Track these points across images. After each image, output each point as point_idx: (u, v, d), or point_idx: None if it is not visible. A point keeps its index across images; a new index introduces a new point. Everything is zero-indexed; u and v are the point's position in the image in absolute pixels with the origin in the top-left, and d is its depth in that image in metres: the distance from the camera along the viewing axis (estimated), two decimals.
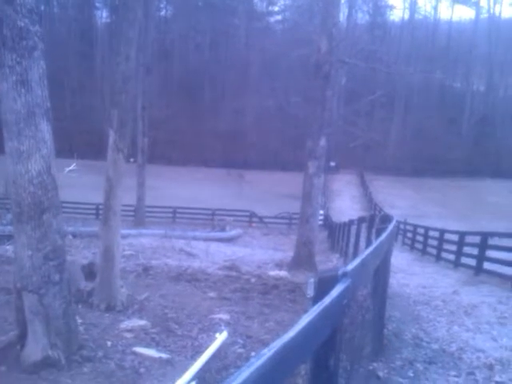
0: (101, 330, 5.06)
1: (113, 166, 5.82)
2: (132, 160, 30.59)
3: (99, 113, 54.34)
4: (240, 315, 6.29)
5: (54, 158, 4.01)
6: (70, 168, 46.98)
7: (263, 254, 15.37)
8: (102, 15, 69.39)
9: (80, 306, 5.61)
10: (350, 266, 2.28)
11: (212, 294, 7.01)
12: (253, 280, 8.21)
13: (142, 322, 5.24)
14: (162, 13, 66.96)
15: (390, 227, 4.60)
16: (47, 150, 3.83)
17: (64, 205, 28.85)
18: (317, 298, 2.02)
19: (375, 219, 8.30)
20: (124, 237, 15.85)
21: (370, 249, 3.00)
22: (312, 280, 2.20)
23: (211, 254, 12.99)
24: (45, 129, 3.82)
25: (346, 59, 12.41)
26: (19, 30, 3.59)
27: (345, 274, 2.14)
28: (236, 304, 6.81)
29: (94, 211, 29.28)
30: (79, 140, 53.37)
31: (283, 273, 9.20)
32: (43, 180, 3.80)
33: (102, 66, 57.51)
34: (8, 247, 10.39)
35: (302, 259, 11.15)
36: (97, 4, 69.00)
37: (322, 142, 11.22)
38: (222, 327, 5.63)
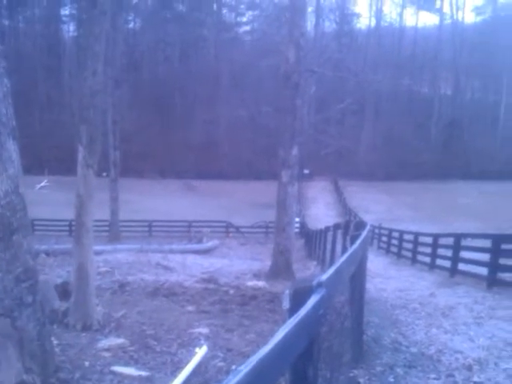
0: (78, 350, 4.94)
1: (83, 182, 5.72)
2: (104, 174, 30.25)
3: (69, 128, 53.45)
4: (219, 328, 6.24)
5: (23, 176, 3.92)
6: (42, 184, 46.11)
7: (241, 264, 15.31)
8: (69, 29, 68.78)
9: (55, 327, 5.47)
10: (325, 276, 2.28)
11: (190, 308, 6.94)
12: (231, 291, 8.17)
13: (120, 341, 5.14)
14: (131, 25, 66.63)
15: (364, 234, 4.65)
16: (14, 170, 3.75)
17: (36, 222, 28.37)
18: (292, 310, 2.02)
19: (350, 226, 8.38)
20: (99, 253, 15.61)
21: (344, 257, 3.01)
22: (287, 292, 2.20)
23: (188, 266, 12.89)
24: (11, 148, 3.73)
25: (314, 68, 12.55)
26: None
27: (319, 285, 2.14)
28: (215, 317, 6.75)
29: (67, 228, 28.72)
30: (49, 156, 52.50)
31: (261, 283, 9.17)
32: (11, 200, 3.70)
33: (70, 81, 56.74)
34: None
35: (280, 268, 11.14)
36: (63, 18, 68.29)
37: (294, 150, 11.28)
38: (202, 341, 5.58)
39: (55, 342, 4.78)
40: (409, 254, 16.95)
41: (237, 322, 6.49)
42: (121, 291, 8.05)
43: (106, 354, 4.85)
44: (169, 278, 9.82)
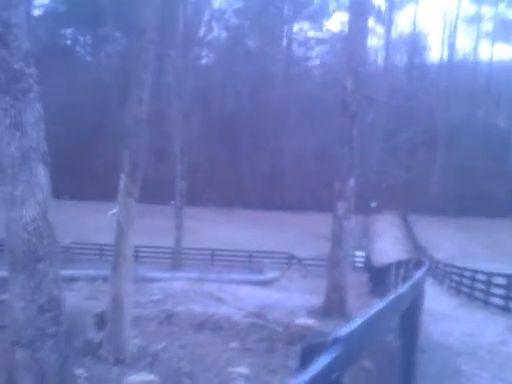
0: None
1: (124, 209, 5.66)
2: (172, 202, 30.99)
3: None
4: (262, 369, 5.86)
5: (52, 202, 3.86)
6: (114, 211, 47.83)
7: (298, 298, 14.79)
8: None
9: (88, 359, 5.34)
10: (344, 330, 1.89)
11: (234, 345, 6.62)
12: (279, 329, 7.76)
13: (151, 377, 4.91)
14: (204, 61, 69.35)
15: (417, 275, 4.16)
16: (43, 195, 3.69)
17: (104, 247, 29.37)
18: (300, 372, 1.68)
19: (407, 264, 7.78)
20: (156, 280, 15.73)
21: (380, 305, 2.58)
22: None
23: (242, 298, 12.56)
24: (41, 173, 3.69)
25: (374, 96, 12.17)
26: (14, 72, 3.53)
27: (336, 341, 1.77)
28: (259, 355, 6.38)
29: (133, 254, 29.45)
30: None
31: (312, 321, 8.66)
32: (38, 227, 3.64)
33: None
34: None
35: (333, 306, 10.60)
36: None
37: (351, 182, 10.85)
38: (240, 382, 5.23)
39: (84, 374, 4.63)
40: (481, 296, 15.80)
41: (281, 362, 6.08)
42: (167, 322, 7.88)
43: None
44: (218, 310, 9.54)
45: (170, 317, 8.22)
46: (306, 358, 1.72)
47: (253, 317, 8.76)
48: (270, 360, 6.14)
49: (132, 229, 5.78)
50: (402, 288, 3.25)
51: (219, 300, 11.56)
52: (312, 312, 10.62)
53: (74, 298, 9.20)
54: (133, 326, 6.60)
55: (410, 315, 4.01)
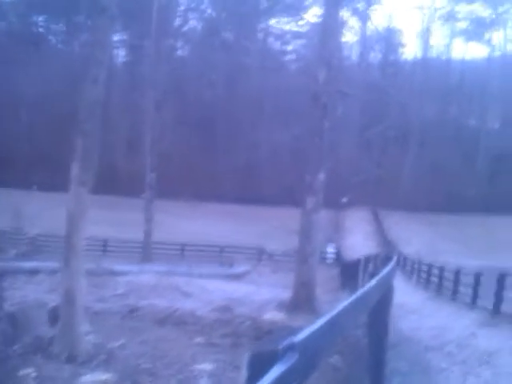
0: None
1: (75, 200, 5.27)
2: (143, 195, 30.47)
3: (113, 149, 54.78)
4: (227, 365, 5.64)
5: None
6: None
7: (268, 292, 14.62)
8: (120, 54, 71.19)
9: (39, 356, 5.00)
10: (300, 335, 1.65)
11: (198, 340, 6.38)
12: (246, 324, 7.54)
13: (106, 376, 4.63)
14: (179, 52, 68.44)
15: (384, 271, 3.99)
16: None
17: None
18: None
19: (375, 259, 7.65)
20: (124, 273, 15.29)
21: (341, 306, 2.34)
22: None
23: (210, 292, 12.30)
24: None
25: (345, 90, 11.98)
26: None
27: (290, 347, 1.54)
28: (224, 351, 6.16)
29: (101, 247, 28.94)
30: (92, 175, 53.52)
31: (280, 315, 8.47)
32: None
33: (117, 104, 58.35)
34: None
35: (301, 301, 10.34)
36: (115, 44, 70.75)
37: (321, 176, 10.53)
38: (203, 380, 5.01)
39: (33, 373, 4.32)
40: (449, 290, 15.94)
41: None
42: (129, 317, 7.58)
43: None
44: (184, 304, 9.28)
45: (132, 311, 7.92)
46: (255, 369, 1.49)
47: (219, 311, 8.55)
48: (235, 356, 5.91)
49: (84, 221, 5.40)
50: (368, 285, 3.06)
51: (186, 294, 11.27)
52: (281, 306, 10.44)
53: (33, 292, 8.84)
54: (93, 321, 6.32)
55: (378, 311, 3.85)
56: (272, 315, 8.40)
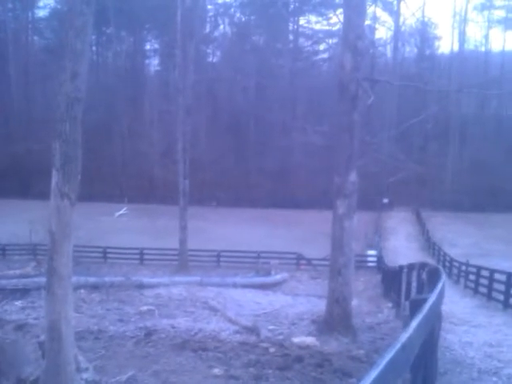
0: None
1: (56, 215, 4.56)
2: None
3: (148, 157, 55.35)
4: None
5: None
6: (121, 212, 47.37)
7: (304, 303, 13.79)
8: (153, 63, 72.32)
9: None
10: None
11: (217, 371, 5.64)
12: (272, 350, 6.72)
13: None
14: (210, 58, 68.74)
15: (433, 298, 3.17)
16: None
17: (109, 250, 28.69)
18: None
19: (419, 270, 6.75)
20: (154, 286, 14.80)
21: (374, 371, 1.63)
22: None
23: (241, 305, 11.57)
24: None
25: (375, 77, 10.86)
26: None
27: None
28: None
29: (137, 256, 28.72)
30: (129, 184, 54.07)
31: (310, 339, 7.53)
32: None
33: (151, 112, 58.96)
34: (17, 303, 9.49)
35: (335, 321, 9.17)
36: (148, 53, 71.92)
37: (352, 176, 9.46)
38: None
39: None
40: (501, 296, 14.73)
41: None
42: (145, 341, 6.92)
43: None
44: (206, 325, 8.53)
45: (149, 335, 7.27)
46: None
47: (244, 333, 7.77)
48: None
49: (68, 240, 4.65)
50: (407, 331, 2.25)
51: (214, 309, 10.55)
52: (315, 323, 9.53)
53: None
54: (105, 348, 5.73)
55: (422, 357, 3.02)
56: (301, 339, 7.48)
